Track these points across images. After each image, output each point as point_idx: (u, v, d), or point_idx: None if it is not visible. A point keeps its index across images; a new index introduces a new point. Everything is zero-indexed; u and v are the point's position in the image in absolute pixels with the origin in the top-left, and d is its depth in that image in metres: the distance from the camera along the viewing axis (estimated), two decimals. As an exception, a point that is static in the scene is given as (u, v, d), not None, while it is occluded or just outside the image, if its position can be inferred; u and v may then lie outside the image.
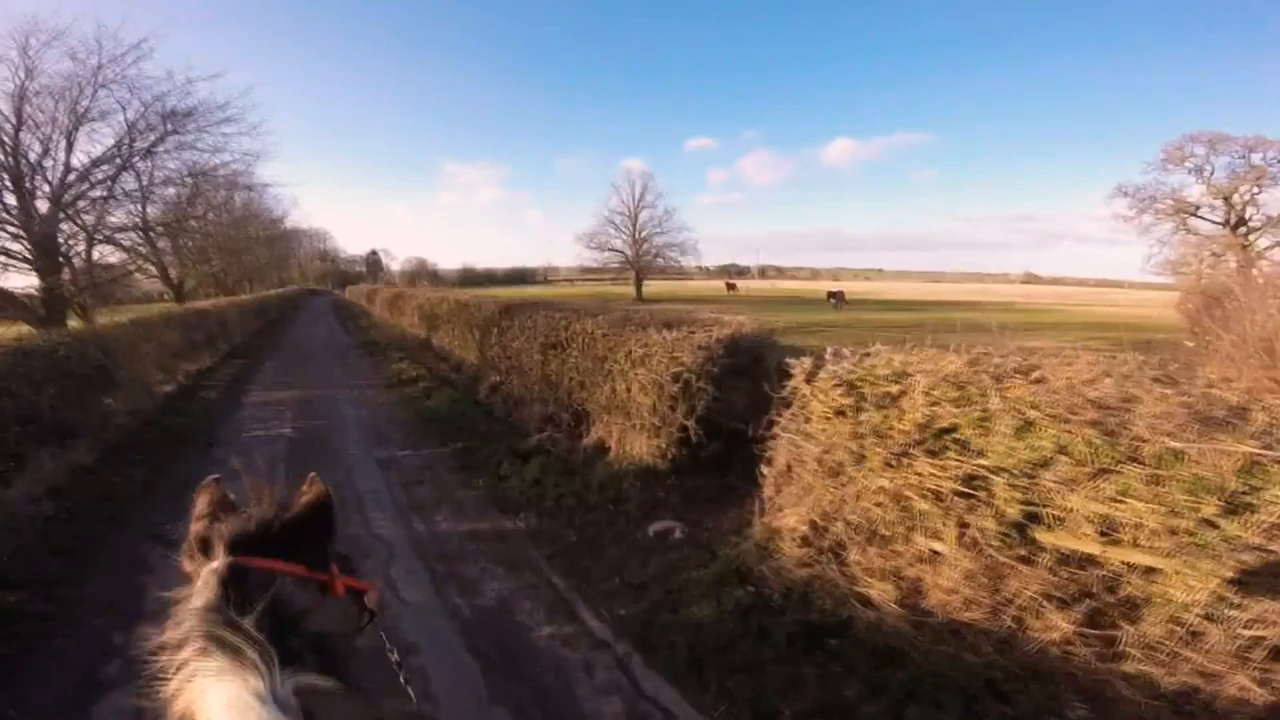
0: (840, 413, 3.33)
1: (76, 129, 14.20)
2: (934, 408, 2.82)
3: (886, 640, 2.77)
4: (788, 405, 3.78)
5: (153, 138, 15.17)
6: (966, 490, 2.60)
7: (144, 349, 9.47)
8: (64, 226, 14.35)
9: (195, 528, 0.87)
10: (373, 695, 0.86)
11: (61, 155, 13.88)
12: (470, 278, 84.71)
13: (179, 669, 0.63)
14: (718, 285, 70.49)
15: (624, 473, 5.14)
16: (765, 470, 3.92)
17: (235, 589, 0.71)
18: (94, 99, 14.03)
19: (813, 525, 3.37)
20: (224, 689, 0.60)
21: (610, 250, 50.22)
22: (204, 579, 0.74)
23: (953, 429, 2.72)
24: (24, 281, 14.05)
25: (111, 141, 14.75)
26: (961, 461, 2.63)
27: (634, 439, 5.35)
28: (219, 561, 0.77)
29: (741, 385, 4.87)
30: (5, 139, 12.98)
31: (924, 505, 2.76)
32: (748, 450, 4.22)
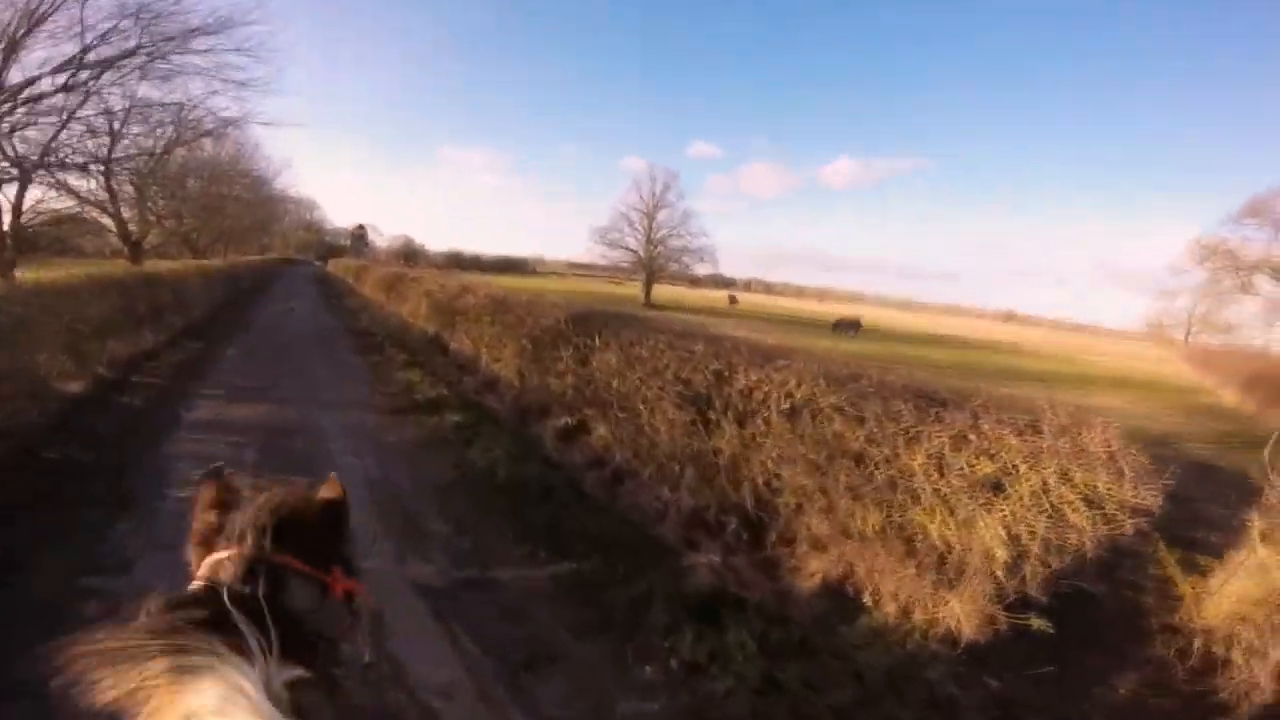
0: None
1: (25, 35, 10.97)
2: None
3: None
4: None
5: (126, 48, 11.91)
6: None
7: (50, 327, 6.54)
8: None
9: (206, 517, 0.83)
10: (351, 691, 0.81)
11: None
12: (458, 262, 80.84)
13: (177, 650, 0.59)
14: (716, 296, 68.07)
15: (923, 655, 2.63)
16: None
17: (245, 578, 0.70)
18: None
19: None
20: (220, 676, 0.59)
21: (622, 248, 47.47)
22: (211, 566, 0.74)
23: None
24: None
25: (70, 53, 11.39)
26: None
27: (938, 597, 2.77)
28: (232, 551, 0.75)
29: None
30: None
31: None
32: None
